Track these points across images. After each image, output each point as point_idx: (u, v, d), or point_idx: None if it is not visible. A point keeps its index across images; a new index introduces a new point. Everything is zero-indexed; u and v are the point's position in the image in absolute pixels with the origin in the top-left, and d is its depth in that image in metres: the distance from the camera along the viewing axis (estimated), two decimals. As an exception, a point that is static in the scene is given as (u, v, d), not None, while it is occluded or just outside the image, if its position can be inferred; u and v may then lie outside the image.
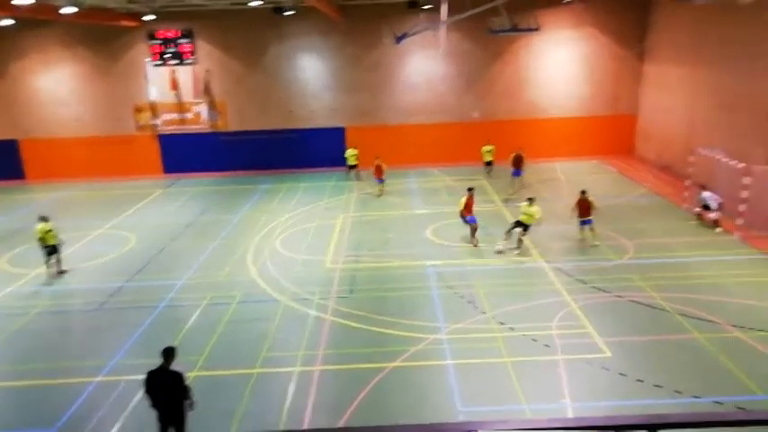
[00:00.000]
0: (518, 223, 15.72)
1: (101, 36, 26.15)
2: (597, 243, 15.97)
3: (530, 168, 25.53)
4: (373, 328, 11.93)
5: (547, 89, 27.13)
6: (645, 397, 9.24)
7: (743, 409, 8.71)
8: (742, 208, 15.98)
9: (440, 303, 12.90)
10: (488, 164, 24.33)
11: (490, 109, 27.36)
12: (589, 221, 15.98)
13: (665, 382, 9.61)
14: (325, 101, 27.39)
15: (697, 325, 11.39)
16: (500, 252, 15.64)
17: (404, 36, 23.64)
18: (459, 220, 16.80)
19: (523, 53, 26.72)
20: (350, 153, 24.82)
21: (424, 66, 26.90)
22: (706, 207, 17.06)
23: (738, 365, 9.95)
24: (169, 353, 7.98)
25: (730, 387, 9.39)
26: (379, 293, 13.62)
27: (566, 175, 24.34)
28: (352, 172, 24.87)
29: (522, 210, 15.73)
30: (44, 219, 15.13)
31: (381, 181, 22.37)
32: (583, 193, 16.06)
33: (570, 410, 9.02)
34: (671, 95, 24.16)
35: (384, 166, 22.21)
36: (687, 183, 19.19)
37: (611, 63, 26.77)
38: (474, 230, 16.43)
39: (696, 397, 9.18)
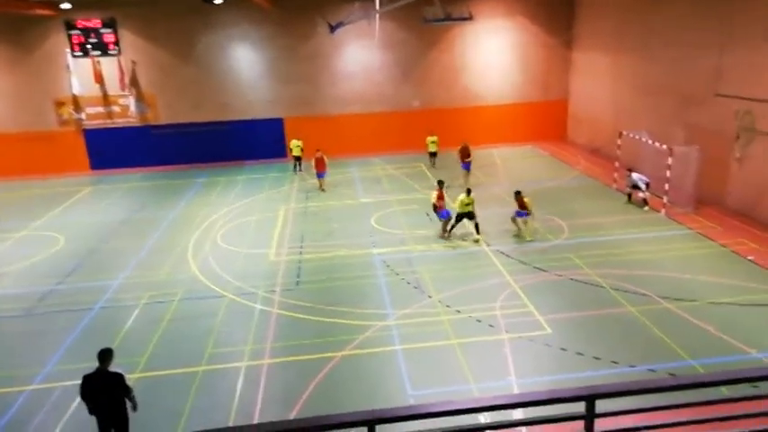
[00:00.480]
0: (460, 217, 15.62)
1: (13, 26, 24.40)
2: (531, 239, 15.54)
3: (468, 155, 26.06)
4: (321, 319, 11.85)
5: (482, 77, 27.70)
6: (585, 369, 9.68)
7: (673, 375, 9.28)
8: (666, 187, 16.95)
9: (387, 290, 12.97)
10: (433, 155, 24.04)
11: (429, 98, 27.65)
12: (523, 214, 15.71)
13: (603, 354, 10.10)
14: (261, 92, 26.80)
15: (630, 299, 12.02)
16: (476, 241, 15.62)
17: (339, 25, 23.46)
18: (433, 214, 16.58)
19: (458, 42, 27.13)
20: (294, 144, 24.18)
21: (360, 55, 26.81)
22: (635, 187, 17.96)
23: (668, 334, 10.58)
24: (105, 355, 7.59)
25: (662, 355, 9.98)
26: (325, 284, 13.53)
27: (502, 161, 24.99)
28: (297, 163, 24.29)
29: (462, 201, 15.53)
30: None
31: (323, 175, 21.29)
32: (518, 194, 15.75)
33: (515, 387, 9.33)
34: (598, 81, 25.26)
35: (326, 159, 21.27)
36: (616, 164, 20.15)
37: (541, 51, 27.64)
38: (445, 223, 16.00)
39: (631, 366, 9.70)
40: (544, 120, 28.42)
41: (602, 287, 12.60)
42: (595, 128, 25.65)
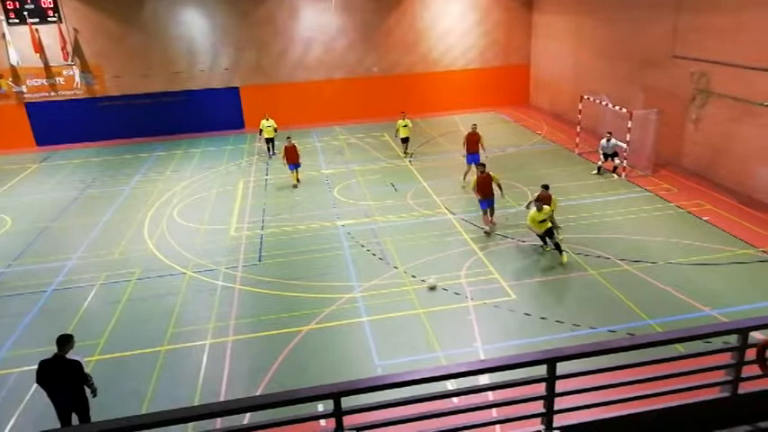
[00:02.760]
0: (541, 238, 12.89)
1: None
2: (488, 229, 13.97)
3: (430, 122, 25.89)
4: (285, 294, 11.67)
5: (443, 42, 27.29)
6: (548, 333, 9.83)
7: (632, 334, 9.52)
8: (626, 149, 17.19)
9: (352, 262, 12.84)
10: (405, 140, 20.77)
11: (389, 63, 27.14)
12: (490, 202, 13.84)
13: (565, 317, 10.27)
14: (214, 60, 25.76)
15: (591, 262, 12.23)
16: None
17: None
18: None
19: (418, 6, 26.57)
20: (264, 125, 21.21)
21: (317, 20, 25.98)
22: (608, 156, 17.65)
23: (628, 296, 10.84)
24: (64, 340, 7.33)
25: (622, 316, 10.22)
26: (288, 258, 13.30)
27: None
28: (270, 146, 21.60)
29: (534, 218, 12.24)
30: None
31: (295, 167, 18.15)
32: (482, 168, 13.66)
33: (482, 353, 9.42)
34: (558, 45, 25.24)
35: (298, 147, 18.07)
36: (578, 129, 20.30)
37: (503, 14, 27.35)
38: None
39: (593, 328, 9.91)
40: (506, 85, 28.35)
41: (564, 251, 12.75)
42: (557, 92, 25.75)
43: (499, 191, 14.00)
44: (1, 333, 10.74)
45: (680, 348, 7.26)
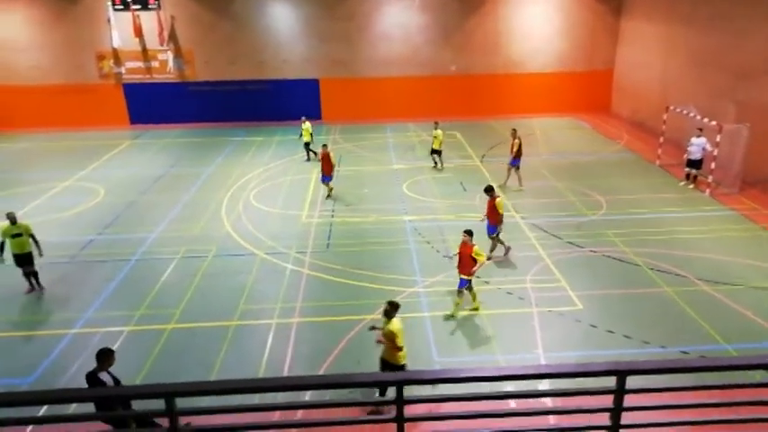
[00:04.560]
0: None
1: (58, -24, 24.62)
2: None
3: (505, 124, 25.54)
4: (350, 282, 11.97)
5: (524, 43, 26.80)
6: (615, 347, 9.56)
7: (705, 357, 9.09)
8: (713, 165, 16.31)
9: (416, 257, 12.97)
10: (435, 152, 19.17)
11: (468, 63, 26.97)
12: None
13: (634, 333, 9.95)
14: (298, 51, 26.53)
15: (666, 279, 11.74)
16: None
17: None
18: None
19: (502, 6, 26.22)
20: (305, 127, 20.38)
21: (400, 16, 26.19)
22: (692, 164, 16.79)
23: (704, 317, 10.34)
24: (103, 356, 6.98)
25: (695, 337, 9.78)
26: (355, 248, 13.60)
27: (542, 132, 24.38)
28: (308, 150, 20.72)
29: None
30: (10, 217, 11.28)
31: (328, 179, 16.83)
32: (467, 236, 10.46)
33: (543, 360, 9.30)
34: (646, 52, 24.19)
35: (333, 157, 16.99)
36: (661, 140, 19.43)
37: (588, 18, 26.51)
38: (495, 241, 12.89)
39: (663, 347, 9.54)
40: (587, 90, 27.46)
41: (637, 266, 12.33)
42: (641, 101, 24.70)
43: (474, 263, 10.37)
44: (89, 295, 11.66)
45: (758, 377, 6.89)
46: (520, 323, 10.34)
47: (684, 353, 9.37)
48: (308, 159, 20.66)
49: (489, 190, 12.49)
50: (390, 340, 7.93)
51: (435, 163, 19.44)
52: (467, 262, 10.23)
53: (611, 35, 26.77)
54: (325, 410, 7.36)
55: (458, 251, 10.55)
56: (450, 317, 10.57)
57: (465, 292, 10.54)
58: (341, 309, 10.94)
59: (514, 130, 17.52)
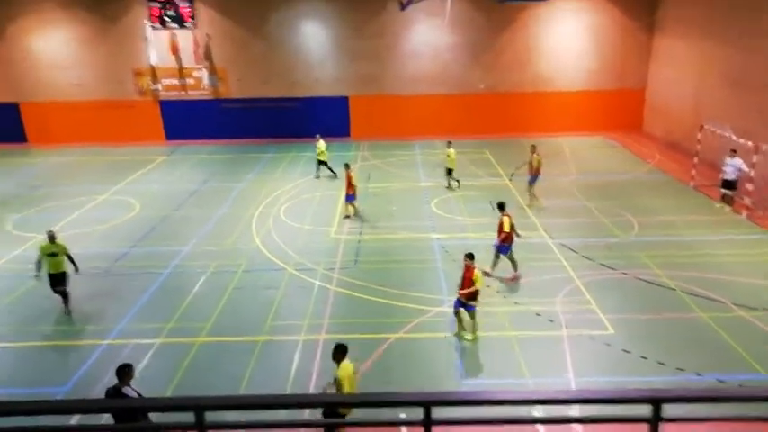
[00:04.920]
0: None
1: (101, -3, 25.65)
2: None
3: (534, 143, 25.36)
4: (377, 299, 11.98)
5: (554, 61, 26.71)
6: (648, 374, 9.33)
7: (745, 386, 8.79)
8: (750, 187, 15.90)
9: (444, 276, 12.92)
10: (450, 172, 19.25)
11: (496, 81, 26.98)
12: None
13: (668, 359, 9.69)
14: (327, 69, 26.96)
15: (701, 303, 11.44)
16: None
17: (409, 3, 23.14)
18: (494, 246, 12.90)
19: (531, 23, 26.22)
20: (319, 146, 20.52)
21: (429, 35, 26.41)
22: (727, 185, 16.47)
23: (742, 344, 10.02)
24: (124, 372, 7.01)
25: (733, 365, 9.47)
26: (383, 265, 13.64)
27: (571, 151, 24.15)
28: (319, 166, 20.76)
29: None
30: (50, 235, 11.37)
31: (351, 198, 16.76)
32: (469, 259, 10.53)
33: (573, 385, 9.12)
34: (679, 70, 23.83)
35: (353, 177, 16.64)
36: (695, 160, 19.04)
37: (620, 35, 26.30)
38: (511, 260, 12.74)
39: (699, 374, 9.26)
40: (618, 109, 27.15)
41: (671, 289, 12.05)
42: (674, 120, 24.28)
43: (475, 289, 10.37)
44: (122, 306, 11.93)
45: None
46: (549, 346, 10.18)
47: (721, 381, 9.08)
48: (335, 175, 20.59)
49: (501, 207, 12.72)
50: (338, 388, 7.38)
51: (450, 184, 19.35)
52: (469, 286, 10.19)
53: (644, 53, 26.48)
54: (349, 428, 7.34)
55: (462, 274, 10.47)
56: (471, 340, 10.42)
57: (466, 313, 10.43)
58: (367, 326, 10.95)
59: (534, 146, 17.46)
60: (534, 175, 17.18)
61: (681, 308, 11.32)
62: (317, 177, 20.87)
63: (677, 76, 24.04)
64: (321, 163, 20.68)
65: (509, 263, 12.69)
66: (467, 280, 10.24)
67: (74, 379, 9.57)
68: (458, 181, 19.40)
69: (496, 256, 12.71)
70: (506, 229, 12.33)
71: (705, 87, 21.94)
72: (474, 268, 10.18)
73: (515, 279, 12.60)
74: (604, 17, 26.09)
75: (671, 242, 14.46)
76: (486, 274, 12.29)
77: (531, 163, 17.16)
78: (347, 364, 7.60)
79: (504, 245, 12.52)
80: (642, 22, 26.02)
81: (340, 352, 7.62)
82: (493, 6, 24.79)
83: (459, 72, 26.91)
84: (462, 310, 10.41)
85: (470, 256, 10.34)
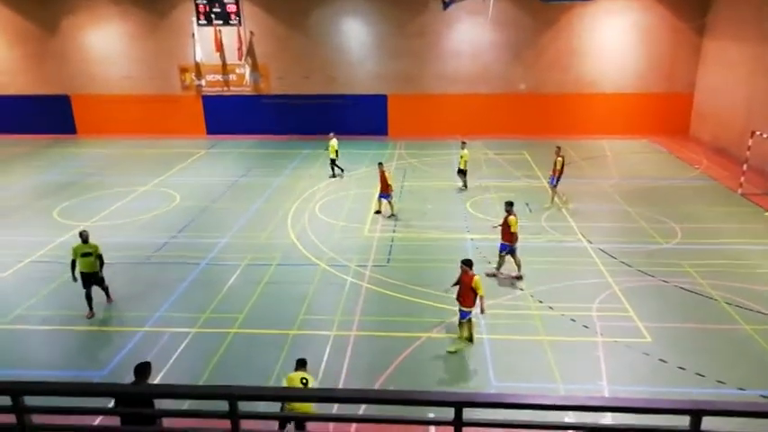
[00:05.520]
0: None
1: (151, -6, 26.40)
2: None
3: (575, 145, 24.84)
4: (409, 298, 11.96)
5: (598, 62, 26.10)
6: (686, 385, 9.02)
7: (790, 404, 8.40)
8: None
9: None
10: (462, 172, 18.94)
11: (538, 81, 26.54)
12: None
13: (708, 371, 9.35)
14: (367, 67, 27.04)
15: (745, 315, 10.99)
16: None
17: (452, 2, 22.97)
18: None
19: (576, 23, 25.68)
20: (332, 143, 20.50)
21: (471, 34, 26.18)
22: None
23: (788, 360, 9.59)
24: (144, 369, 6.91)
25: (778, 381, 9.07)
26: (415, 264, 13.60)
27: (614, 154, 23.56)
28: (333, 166, 20.87)
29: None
30: (83, 236, 11.31)
31: (385, 196, 16.60)
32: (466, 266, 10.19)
33: (607, 393, 8.91)
34: (730, 74, 22.94)
35: (388, 175, 16.48)
36: (744, 167, 18.30)
37: (668, 36, 25.49)
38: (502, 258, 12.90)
39: (741, 389, 8.90)
40: (664, 113, 26.34)
41: (713, 300, 11.62)
42: (723, 125, 23.40)
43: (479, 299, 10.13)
44: (160, 295, 12.25)
45: None
46: (583, 352, 9.96)
47: (765, 397, 8.70)
48: (333, 176, 20.75)
49: (509, 206, 12.72)
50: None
51: (465, 184, 19.05)
52: (467, 293, 9.90)
53: (693, 55, 25.60)
54: (378, 425, 7.35)
55: (458, 281, 10.23)
56: (452, 352, 10.04)
57: (467, 322, 10.14)
58: (398, 325, 10.94)
59: (558, 147, 17.23)
60: (557, 177, 16.92)
61: (724, 319, 10.91)
62: (333, 177, 20.79)
63: (728, 80, 23.16)
64: (332, 161, 20.73)
65: (508, 263, 12.81)
66: (466, 288, 9.91)
67: (112, 364, 9.87)
68: (465, 183, 19.08)
69: (501, 257, 12.78)
70: (513, 229, 12.42)
71: (757, 91, 21.06)
72: (473, 275, 9.92)
73: (517, 278, 12.69)
74: (653, 17, 25.33)
75: (715, 251, 13.95)
76: (493, 275, 12.64)
77: (555, 164, 16.87)
78: (294, 376, 7.58)
79: (505, 243, 12.61)
80: (692, 23, 25.15)
81: (298, 364, 7.84)
82: (536, 6, 24.39)
83: (500, 72, 26.58)
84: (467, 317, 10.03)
85: (468, 263, 10.06)
